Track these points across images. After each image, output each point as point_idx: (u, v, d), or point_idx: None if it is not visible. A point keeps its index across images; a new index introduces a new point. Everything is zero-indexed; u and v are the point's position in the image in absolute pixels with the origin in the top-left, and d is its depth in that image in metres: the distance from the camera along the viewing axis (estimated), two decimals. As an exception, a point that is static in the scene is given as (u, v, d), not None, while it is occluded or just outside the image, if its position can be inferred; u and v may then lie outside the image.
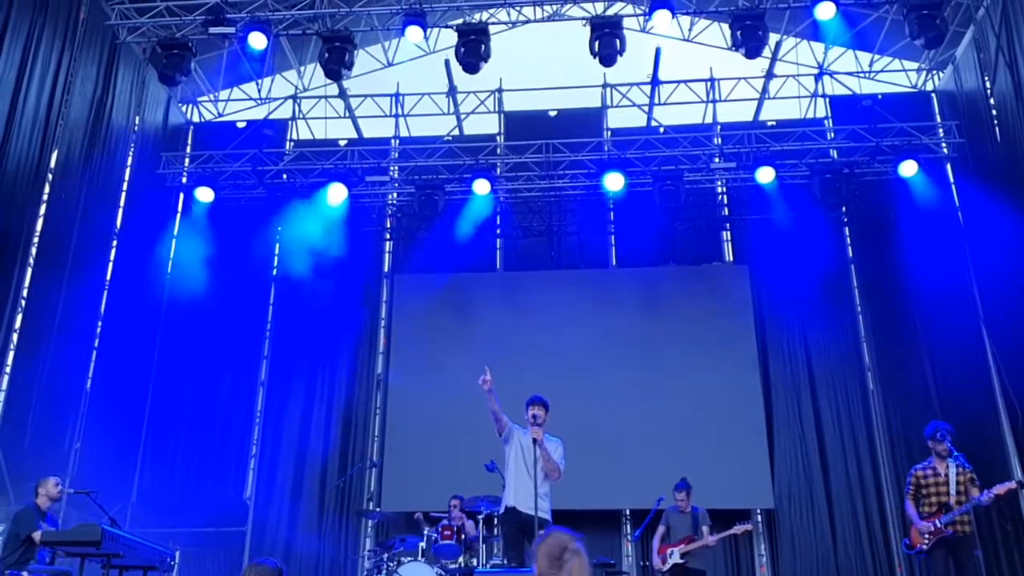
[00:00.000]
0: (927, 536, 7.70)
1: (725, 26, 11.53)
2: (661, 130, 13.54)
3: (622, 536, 12.05)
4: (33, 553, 7.34)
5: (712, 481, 10.97)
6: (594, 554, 10.79)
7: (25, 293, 10.23)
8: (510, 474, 7.33)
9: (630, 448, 11.67)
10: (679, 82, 13.57)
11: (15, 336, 10.04)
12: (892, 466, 11.78)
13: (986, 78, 11.99)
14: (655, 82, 13.48)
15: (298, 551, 12.05)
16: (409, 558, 9.03)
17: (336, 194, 12.36)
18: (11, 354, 10.01)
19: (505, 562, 7.41)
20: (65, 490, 8.10)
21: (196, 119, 14.47)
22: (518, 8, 11.80)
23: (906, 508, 8.06)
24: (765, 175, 12.08)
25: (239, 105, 14.33)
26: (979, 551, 7.65)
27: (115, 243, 12.14)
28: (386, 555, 9.38)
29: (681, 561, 9.14)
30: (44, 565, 7.46)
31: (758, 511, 11.98)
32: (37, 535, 7.26)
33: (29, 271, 10.33)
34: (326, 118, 14.15)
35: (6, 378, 9.97)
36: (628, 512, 12.06)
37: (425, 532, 9.42)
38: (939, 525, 7.62)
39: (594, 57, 10.99)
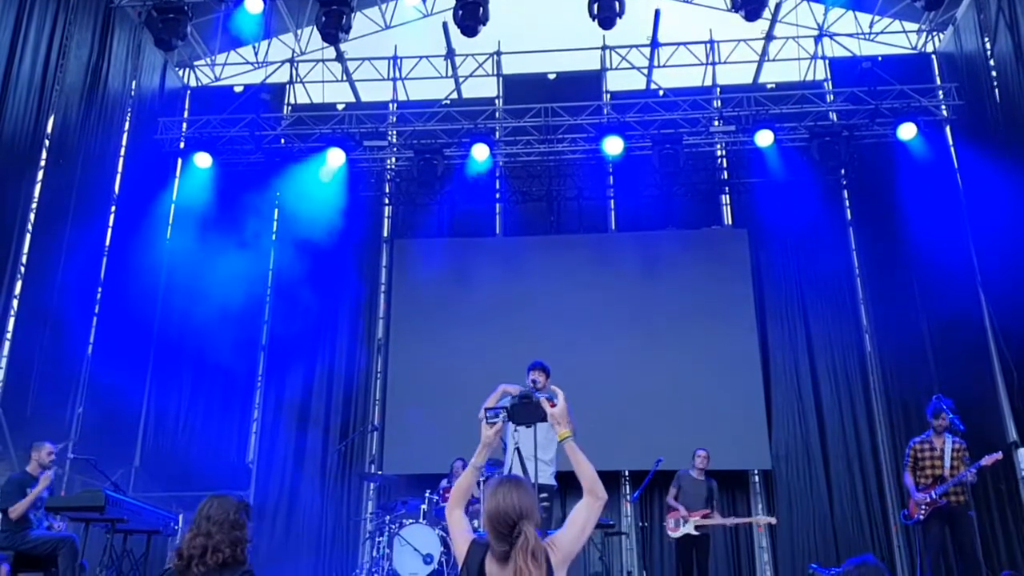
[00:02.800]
0: (924, 507, 7.98)
1: (725, -13, 11.44)
2: (660, 93, 13.47)
3: (621, 497, 12.18)
4: (27, 519, 7.33)
5: (710, 442, 11.04)
6: (596, 519, 10.95)
7: (24, 259, 10.22)
8: (508, 448, 7.37)
9: (629, 410, 11.76)
10: (678, 44, 13.47)
11: (15, 302, 10.04)
12: (888, 427, 11.89)
13: (986, 39, 11.92)
14: (654, 44, 13.38)
15: (301, 514, 12.20)
16: (411, 520, 9.14)
17: (334, 159, 12.34)
18: (11, 320, 10.01)
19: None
20: (67, 456, 8.16)
21: (193, 83, 14.36)
22: (516, -31, 11.68)
23: (904, 480, 8.40)
24: (764, 138, 12.05)
25: (236, 69, 14.20)
26: (973, 511, 7.86)
27: (113, 208, 12.08)
28: (388, 517, 9.50)
29: (696, 533, 9.38)
30: (44, 530, 7.51)
31: (755, 472, 12.11)
32: (20, 505, 7.21)
33: (28, 237, 10.30)
34: (323, 82, 14.05)
35: (7, 344, 9.97)
36: (627, 473, 12.18)
37: (426, 495, 9.54)
38: (934, 496, 7.96)
39: (593, 19, 10.92)
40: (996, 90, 11.70)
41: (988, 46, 11.89)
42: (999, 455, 7.82)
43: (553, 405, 3.68)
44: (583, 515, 3.37)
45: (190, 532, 3.66)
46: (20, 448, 9.24)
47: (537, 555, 3.05)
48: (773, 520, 10.04)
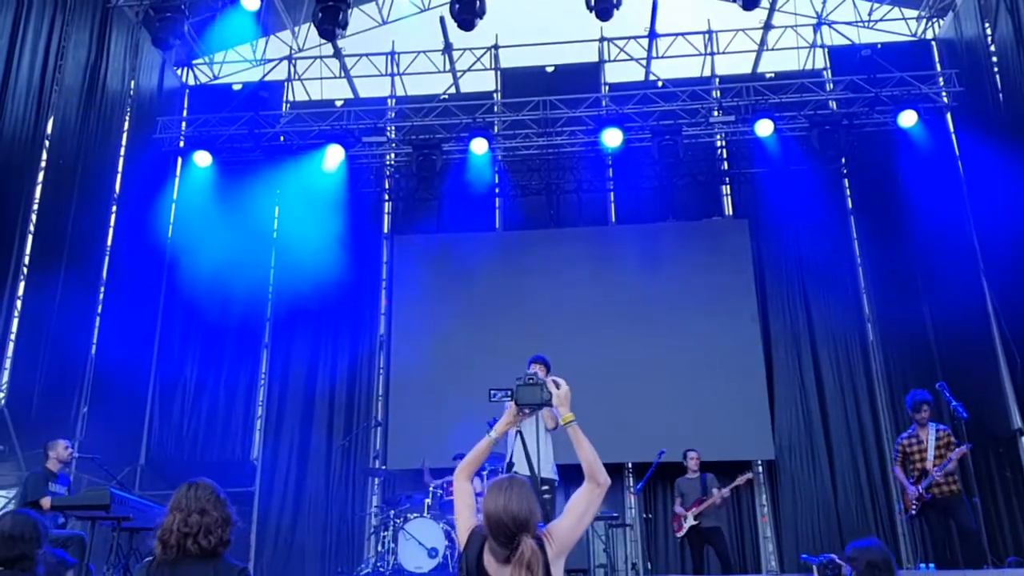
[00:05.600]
0: (915, 502, 8.06)
1: (722, -23, 11.40)
2: (659, 84, 13.44)
3: (625, 489, 12.19)
4: (43, 517, 7.41)
5: (713, 434, 11.13)
6: (597, 506, 10.97)
7: (27, 260, 10.24)
8: (510, 441, 7.36)
9: (632, 403, 11.75)
10: (676, 35, 13.44)
11: (18, 303, 10.07)
12: (892, 415, 11.88)
13: (987, 25, 11.88)
14: (652, 35, 13.35)
15: (306, 510, 12.23)
16: (415, 514, 9.17)
17: (333, 156, 12.34)
18: (15, 321, 10.03)
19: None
20: (73, 455, 8.19)
21: (191, 82, 14.38)
22: (513, -37, 11.64)
23: (895, 473, 8.57)
24: (764, 128, 12.00)
25: (234, 67, 14.25)
26: (977, 498, 7.88)
27: (114, 208, 12.11)
28: (392, 512, 9.53)
29: (695, 523, 9.47)
30: (55, 529, 7.54)
31: (759, 462, 12.11)
32: (45, 501, 7.33)
33: (30, 238, 10.33)
34: (322, 78, 14.05)
35: (11, 346, 10.00)
36: (630, 465, 12.20)
37: (431, 488, 9.56)
38: (920, 491, 8.00)
39: (590, 11, 10.88)
40: (997, 75, 11.67)
41: (988, 31, 11.86)
42: (965, 449, 7.88)
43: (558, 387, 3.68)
44: (582, 503, 3.32)
45: (177, 515, 3.47)
46: (26, 448, 9.27)
47: (533, 567, 3.03)
48: (750, 475, 10.14)
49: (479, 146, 12.19)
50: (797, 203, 12.64)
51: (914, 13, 13.48)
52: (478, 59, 13.82)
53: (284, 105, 14.04)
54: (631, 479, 12.19)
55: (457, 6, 10.79)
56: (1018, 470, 11.09)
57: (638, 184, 13.41)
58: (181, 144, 13.11)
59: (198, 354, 12.93)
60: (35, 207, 10.48)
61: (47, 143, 10.72)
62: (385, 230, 13.93)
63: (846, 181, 13.32)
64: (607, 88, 13.86)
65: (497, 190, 13.75)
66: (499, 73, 14.09)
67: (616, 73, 14.09)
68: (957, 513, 7.92)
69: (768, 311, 12.65)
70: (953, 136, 12.69)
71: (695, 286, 12.49)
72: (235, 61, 14.17)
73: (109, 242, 11.97)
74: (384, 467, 12.07)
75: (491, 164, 13.01)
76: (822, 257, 12.77)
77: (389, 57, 13.92)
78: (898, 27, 13.55)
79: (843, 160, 12.82)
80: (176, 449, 12.46)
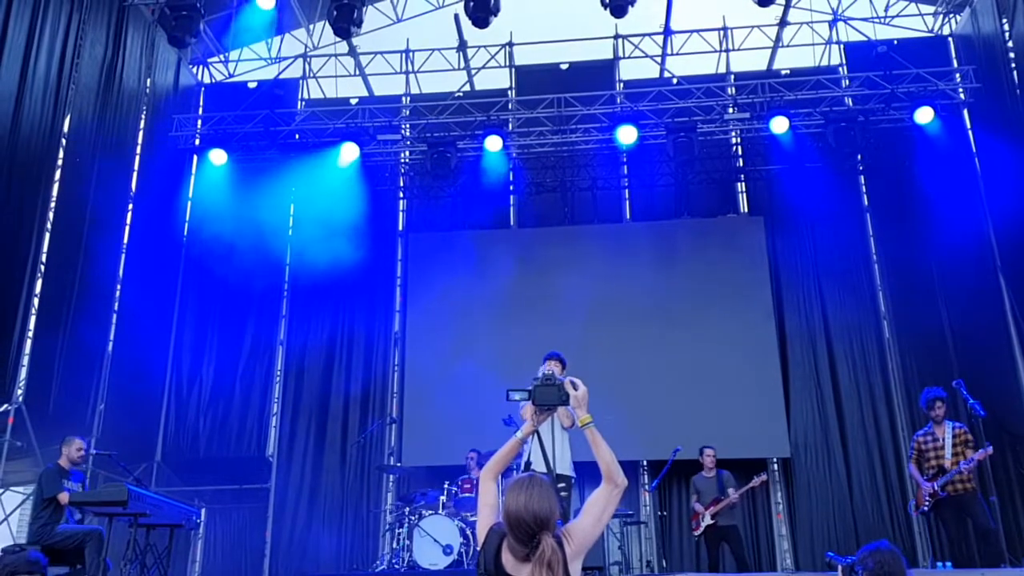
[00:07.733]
0: (928, 499, 8.03)
1: (738, -27, 11.35)
2: (674, 81, 13.40)
3: (639, 486, 12.17)
4: (61, 513, 7.46)
5: (729, 431, 11.10)
6: (615, 507, 10.96)
7: (44, 258, 10.29)
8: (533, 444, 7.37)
9: (647, 400, 11.74)
10: (691, 32, 13.40)
11: (36, 301, 10.13)
12: (908, 413, 11.82)
13: (1004, 20, 11.79)
14: (667, 32, 13.32)
15: (321, 506, 12.28)
16: (430, 512, 9.19)
17: (348, 153, 12.36)
18: (32, 319, 10.08)
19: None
20: (89, 452, 8.23)
21: (207, 80, 14.42)
22: (527, -40, 11.63)
23: (910, 471, 8.55)
24: (779, 125, 11.94)
25: (249, 65, 14.27)
26: (995, 496, 7.83)
27: (131, 206, 12.16)
28: (408, 509, 9.55)
29: (712, 522, 9.59)
30: (74, 524, 7.60)
31: (774, 460, 12.08)
32: (63, 496, 7.37)
33: (47, 236, 10.38)
34: (336, 76, 14.07)
35: (28, 343, 10.05)
36: (645, 463, 12.18)
37: (445, 486, 9.58)
38: (935, 488, 7.96)
39: (604, 8, 10.87)
40: (1015, 72, 11.57)
41: (1006, 27, 11.76)
42: (989, 450, 7.83)
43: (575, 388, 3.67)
44: (600, 503, 3.33)
45: None
46: (43, 444, 9.33)
47: (553, 566, 3.04)
48: (764, 477, 10.10)
49: (493, 144, 12.18)
50: (813, 200, 12.60)
51: (931, 9, 13.39)
52: (492, 57, 13.80)
53: (299, 103, 14.06)
54: (646, 477, 12.17)
55: (472, 4, 10.77)
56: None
57: (653, 181, 13.39)
58: (197, 142, 13.15)
59: (214, 351, 13.00)
60: (52, 205, 10.52)
61: (64, 141, 10.75)
62: (400, 228, 13.95)
63: (862, 178, 13.26)
64: (622, 85, 13.84)
65: (512, 187, 13.74)
66: (514, 71, 14.07)
67: (631, 70, 14.07)
68: (974, 511, 7.90)
69: (784, 308, 12.61)
70: (970, 133, 12.60)
71: (710, 283, 12.48)
72: (250, 59, 14.19)
73: (125, 240, 12.01)
74: (399, 464, 12.10)
75: (506, 161, 12.99)
76: (838, 254, 12.72)
77: (404, 55, 13.90)
78: (914, 23, 13.48)
79: (859, 157, 12.74)
80: (192, 446, 12.53)
